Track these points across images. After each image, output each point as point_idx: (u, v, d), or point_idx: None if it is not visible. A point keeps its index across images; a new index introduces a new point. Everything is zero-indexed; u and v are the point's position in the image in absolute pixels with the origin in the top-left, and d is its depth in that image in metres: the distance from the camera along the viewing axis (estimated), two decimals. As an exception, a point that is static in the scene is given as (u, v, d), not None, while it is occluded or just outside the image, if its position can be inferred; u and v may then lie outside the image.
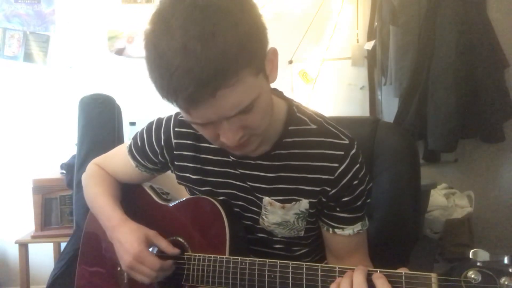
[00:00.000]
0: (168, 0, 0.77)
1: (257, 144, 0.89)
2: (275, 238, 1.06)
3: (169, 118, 1.10)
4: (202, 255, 1.00)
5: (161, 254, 1.04)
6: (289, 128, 0.98)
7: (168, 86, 0.74)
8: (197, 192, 1.10)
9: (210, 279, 0.98)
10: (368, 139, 1.35)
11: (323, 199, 0.98)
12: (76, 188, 1.80)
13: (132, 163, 1.15)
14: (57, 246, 2.70)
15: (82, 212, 1.56)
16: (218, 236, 1.00)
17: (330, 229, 1.01)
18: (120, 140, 1.92)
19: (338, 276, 0.84)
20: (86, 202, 1.21)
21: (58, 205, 2.62)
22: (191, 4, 0.73)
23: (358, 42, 2.75)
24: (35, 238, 2.56)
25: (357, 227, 1.01)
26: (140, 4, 2.78)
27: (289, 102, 1.01)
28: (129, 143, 1.17)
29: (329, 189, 0.96)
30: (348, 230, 1.00)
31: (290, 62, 2.69)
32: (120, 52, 2.80)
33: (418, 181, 1.37)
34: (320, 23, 2.67)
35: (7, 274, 2.83)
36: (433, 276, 0.76)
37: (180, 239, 1.06)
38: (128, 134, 2.27)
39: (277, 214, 1.00)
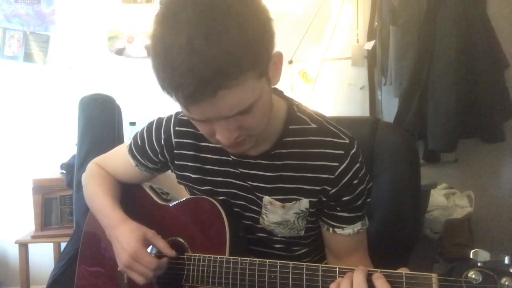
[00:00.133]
0: None
1: (252, 144, 0.89)
2: (275, 238, 1.06)
3: (169, 118, 1.10)
4: (202, 255, 1.00)
5: (159, 255, 1.03)
6: (289, 127, 0.98)
7: (170, 81, 0.74)
8: (197, 192, 1.10)
9: (210, 279, 0.98)
10: (368, 139, 1.34)
11: (323, 199, 0.98)
12: (76, 188, 1.80)
13: (132, 162, 1.15)
14: (57, 246, 2.70)
15: (82, 212, 1.56)
16: (218, 236, 1.00)
17: (330, 229, 1.01)
18: (120, 140, 1.92)
19: (339, 276, 0.84)
20: (86, 202, 1.21)
21: (58, 205, 2.62)
22: (204, 3, 0.73)
23: (358, 42, 2.75)
24: (35, 238, 2.56)
25: (357, 226, 1.01)
26: (140, 4, 2.78)
27: (289, 102, 1.01)
28: (129, 142, 1.17)
29: (329, 188, 0.96)
30: (348, 230, 1.00)
31: (290, 62, 2.69)
32: (120, 52, 2.80)
33: (418, 181, 1.36)
34: (320, 23, 2.67)
35: (7, 274, 2.83)
36: (434, 277, 0.76)
37: (180, 239, 1.06)
38: (128, 134, 2.27)
39: (277, 214, 1.00)
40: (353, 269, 0.82)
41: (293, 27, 2.64)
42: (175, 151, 1.08)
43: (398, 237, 1.34)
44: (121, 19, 2.78)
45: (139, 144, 1.13)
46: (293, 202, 0.98)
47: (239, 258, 0.96)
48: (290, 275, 0.89)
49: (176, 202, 1.13)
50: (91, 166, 1.24)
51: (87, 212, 1.26)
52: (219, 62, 0.70)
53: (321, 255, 1.12)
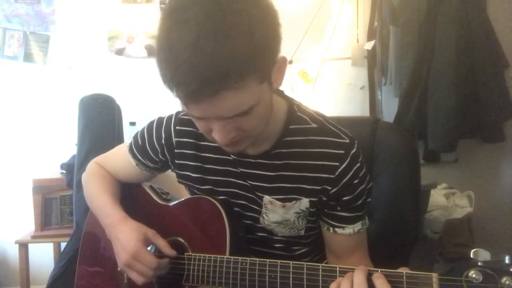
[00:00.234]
0: None
1: (248, 144, 0.89)
2: (275, 237, 1.06)
3: (170, 117, 1.10)
4: (202, 255, 1.00)
5: (159, 254, 1.03)
6: (290, 127, 0.98)
7: (172, 76, 0.73)
8: (197, 191, 1.10)
9: (211, 279, 0.98)
10: (368, 139, 1.34)
11: (324, 198, 0.98)
12: (76, 188, 1.80)
13: (132, 162, 1.15)
14: (57, 246, 2.70)
15: (82, 212, 1.56)
16: (218, 236, 1.00)
17: (331, 228, 1.01)
18: (120, 140, 1.93)
19: (339, 276, 0.84)
20: (86, 201, 1.21)
21: (58, 205, 2.62)
22: (214, 1, 0.72)
23: (358, 42, 2.75)
24: (35, 238, 2.56)
25: (358, 226, 1.01)
26: (140, 4, 2.78)
27: (289, 101, 1.01)
28: (129, 142, 1.17)
29: (329, 188, 0.96)
30: (349, 229, 1.00)
31: (290, 62, 2.69)
32: (120, 52, 2.80)
33: (418, 181, 1.36)
34: (320, 23, 2.67)
35: (7, 274, 2.83)
36: (434, 276, 0.76)
37: (180, 239, 1.06)
38: (128, 134, 2.27)
39: (277, 213, 1.00)
40: (354, 269, 0.82)
41: (293, 27, 2.63)
42: (175, 150, 1.08)
43: (398, 237, 1.34)
44: (121, 19, 2.78)
45: (140, 143, 1.13)
46: (294, 201, 0.98)
47: (240, 258, 0.96)
48: (291, 275, 0.89)
49: (176, 201, 1.13)
50: (91, 165, 1.24)
51: (87, 212, 1.26)
52: (223, 63, 0.70)
53: (321, 254, 1.12)
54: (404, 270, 0.80)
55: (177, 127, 1.08)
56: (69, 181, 2.43)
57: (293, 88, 2.74)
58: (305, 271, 0.88)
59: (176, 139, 1.08)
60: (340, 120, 1.03)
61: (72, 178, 2.11)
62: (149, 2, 2.78)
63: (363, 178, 0.98)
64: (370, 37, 2.69)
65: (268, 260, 0.93)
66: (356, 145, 0.97)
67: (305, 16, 2.66)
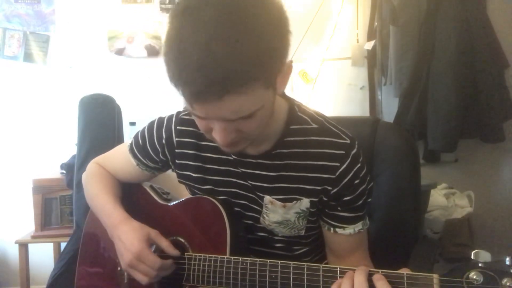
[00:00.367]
0: None
1: (246, 145, 0.90)
2: (275, 237, 1.06)
3: (170, 117, 1.10)
4: (202, 255, 1.00)
5: (161, 254, 1.03)
6: (290, 127, 0.98)
7: (180, 75, 0.73)
8: (198, 191, 1.10)
9: (211, 279, 0.98)
10: (368, 139, 1.34)
11: (324, 198, 0.98)
12: (76, 188, 1.80)
13: (133, 161, 1.15)
14: (57, 246, 2.70)
15: (82, 212, 1.56)
16: (218, 236, 1.00)
17: (331, 228, 1.01)
18: (120, 140, 1.93)
19: (340, 277, 0.84)
20: (87, 201, 1.21)
21: (58, 205, 2.62)
22: (230, 3, 0.72)
23: (358, 42, 2.75)
24: (35, 238, 2.55)
25: (358, 226, 1.01)
26: (140, 4, 2.78)
27: (290, 102, 1.01)
28: (130, 142, 1.17)
29: (330, 188, 0.96)
30: (349, 229, 1.00)
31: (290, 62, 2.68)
32: (120, 52, 2.79)
33: (418, 181, 1.36)
34: (320, 23, 2.67)
35: (7, 274, 2.83)
36: (435, 277, 0.76)
37: (181, 239, 1.06)
38: (128, 134, 2.27)
39: (278, 213, 1.00)
40: (354, 269, 0.83)
41: (293, 27, 2.62)
42: (176, 150, 1.08)
43: (398, 237, 1.34)
44: (121, 19, 2.78)
45: (140, 143, 1.13)
46: (294, 201, 0.98)
47: (240, 258, 0.96)
48: (291, 275, 0.89)
49: (177, 201, 1.13)
50: (92, 165, 1.24)
51: (87, 212, 1.26)
52: (232, 67, 0.70)
53: (322, 254, 1.13)
54: (404, 271, 0.80)
55: (177, 127, 1.08)
56: (69, 181, 2.43)
57: (293, 88, 2.73)
58: (305, 271, 0.88)
59: (177, 139, 1.08)
60: (340, 120, 1.03)
61: (72, 178, 2.11)
62: (149, 2, 2.78)
63: (364, 178, 0.98)
64: (370, 37, 2.69)
65: (268, 260, 0.93)
66: (356, 146, 0.97)
67: (305, 16, 2.65)
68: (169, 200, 1.18)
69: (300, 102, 1.04)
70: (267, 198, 1.00)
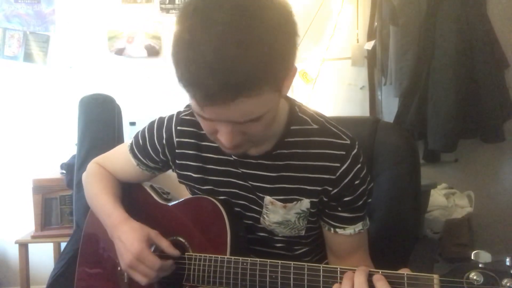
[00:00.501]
0: None
1: (249, 147, 0.90)
2: (275, 238, 1.06)
3: (171, 117, 1.10)
4: (203, 255, 1.00)
5: (161, 254, 1.03)
6: (291, 128, 0.98)
7: (191, 76, 0.73)
8: (198, 191, 1.10)
9: (211, 279, 0.98)
10: (368, 139, 1.34)
11: (325, 199, 0.98)
12: (76, 188, 1.80)
13: (133, 161, 1.15)
14: (57, 246, 2.70)
15: (82, 212, 1.56)
16: (219, 236, 1.00)
17: (332, 229, 1.02)
18: (120, 140, 1.93)
19: (340, 277, 0.84)
20: (87, 201, 1.21)
21: (58, 205, 2.62)
22: (242, 6, 0.72)
23: (358, 42, 2.75)
24: (35, 238, 2.55)
25: (358, 226, 1.01)
26: (140, 4, 2.78)
27: (291, 102, 1.01)
28: (130, 141, 1.17)
29: (330, 188, 0.96)
30: (349, 230, 1.00)
31: (290, 62, 2.68)
32: (120, 52, 2.79)
33: (418, 181, 1.36)
34: (320, 23, 2.66)
35: (7, 274, 2.83)
36: (435, 277, 0.76)
37: (181, 239, 1.06)
38: (128, 134, 2.27)
39: (278, 214, 1.00)
40: (354, 270, 0.83)
41: (293, 27, 2.63)
42: (176, 151, 1.08)
43: (398, 237, 1.34)
44: (121, 19, 2.78)
45: (140, 143, 1.13)
46: (294, 202, 0.98)
47: (240, 258, 0.96)
48: (291, 275, 0.89)
49: (177, 201, 1.13)
50: (92, 165, 1.24)
51: (87, 212, 1.26)
52: (244, 70, 0.71)
53: (322, 254, 1.13)
54: (405, 272, 0.80)
55: (178, 127, 1.08)
56: (69, 181, 2.43)
57: (293, 88, 2.73)
58: (306, 271, 0.88)
59: (177, 139, 1.08)
60: (340, 120, 1.03)
61: (72, 178, 2.11)
62: (149, 2, 2.78)
63: (364, 178, 0.98)
64: (370, 37, 2.69)
65: (268, 260, 0.93)
66: (357, 146, 0.97)
67: (305, 16, 2.65)
68: (169, 200, 1.18)
69: (300, 103, 1.04)
70: (268, 198, 1.00)
